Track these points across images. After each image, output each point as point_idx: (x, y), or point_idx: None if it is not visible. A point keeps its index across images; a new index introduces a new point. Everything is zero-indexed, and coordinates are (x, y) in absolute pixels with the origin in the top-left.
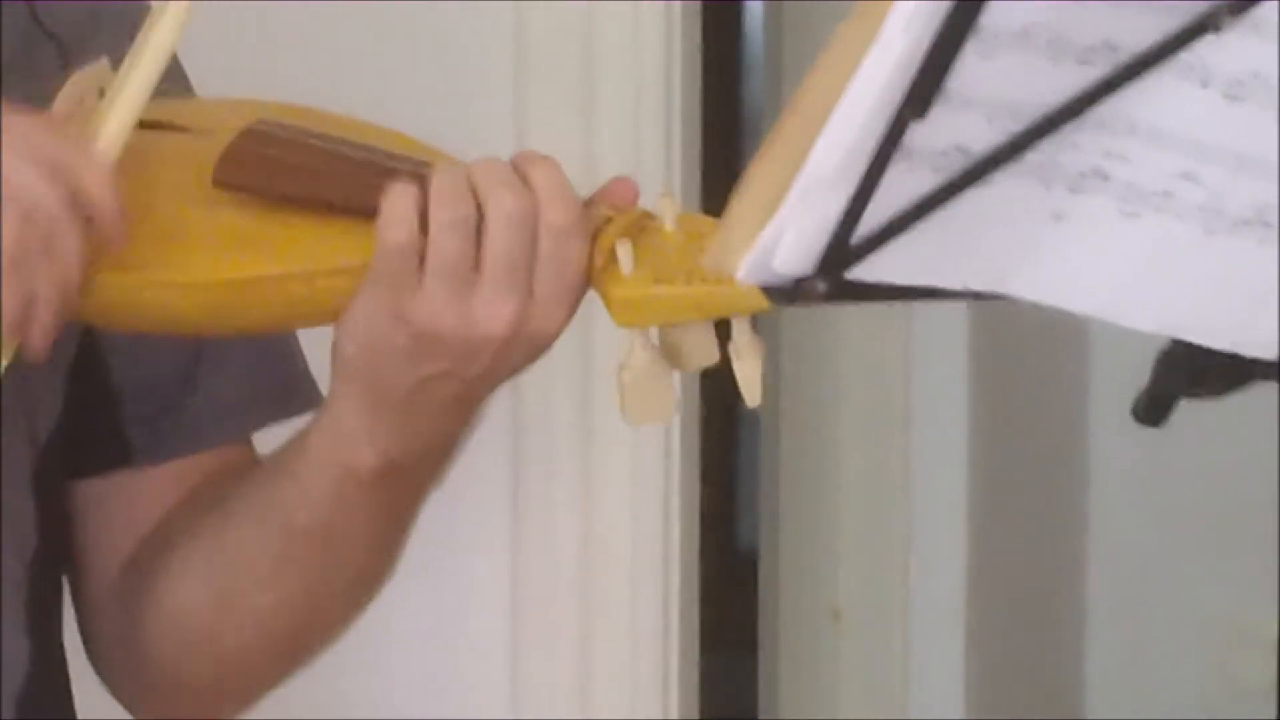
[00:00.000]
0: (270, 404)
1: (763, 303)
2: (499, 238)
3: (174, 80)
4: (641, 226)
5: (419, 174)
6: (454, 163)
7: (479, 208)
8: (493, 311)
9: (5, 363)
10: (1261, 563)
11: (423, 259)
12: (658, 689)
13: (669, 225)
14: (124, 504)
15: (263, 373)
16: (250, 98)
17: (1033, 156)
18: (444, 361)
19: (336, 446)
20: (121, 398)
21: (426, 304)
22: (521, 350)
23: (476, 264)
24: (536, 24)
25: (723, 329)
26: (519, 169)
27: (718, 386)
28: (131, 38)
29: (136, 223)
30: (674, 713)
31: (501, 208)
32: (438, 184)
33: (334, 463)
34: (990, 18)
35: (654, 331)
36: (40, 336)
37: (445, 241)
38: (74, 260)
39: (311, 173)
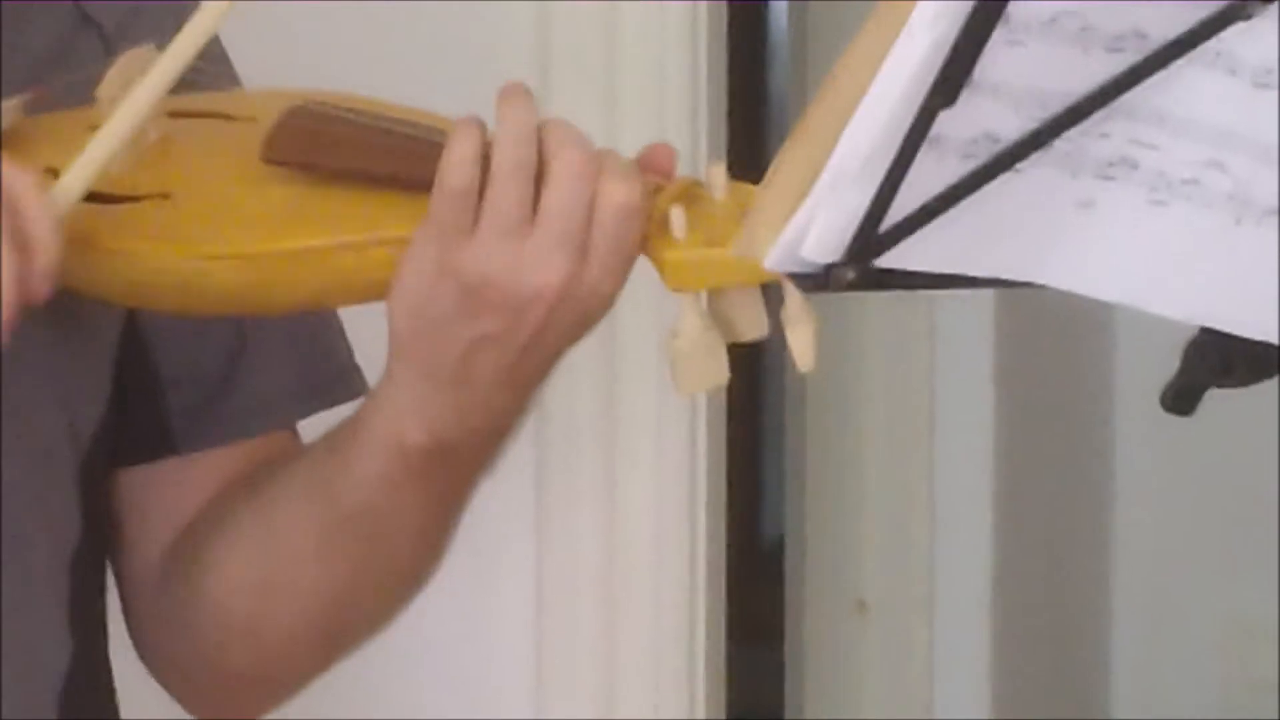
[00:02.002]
0: (314, 393)
1: None
2: (560, 191)
3: (220, 75)
4: (692, 195)
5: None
6: (522, 102)
7: (541, 160)
8: (544, 265)
9: None
10: None
11: (478, 210)
12: (683, 680)
13: (719, 194)
14: (167, 492)
15: (307, 362)
16: (290, 88)
17: (1061, 145)
18: (493, 320)
19: (387, 425)
20: (166, 386)
21: (478, 253)
22: (570, 317)
23: (532, 215)
24: (560, 18)
25: (770, 300)
26: None
27: (742, 377)
28: (175, 29)
29: (183, 203)
30: (699, 704)
31: (569, 161)
32: (505, 128)
33: (384, 442)
34: (1019, 6)
35: (704, 301)
36: None
37: (507, 186)
38: (9, 285)
39: (359, 146)
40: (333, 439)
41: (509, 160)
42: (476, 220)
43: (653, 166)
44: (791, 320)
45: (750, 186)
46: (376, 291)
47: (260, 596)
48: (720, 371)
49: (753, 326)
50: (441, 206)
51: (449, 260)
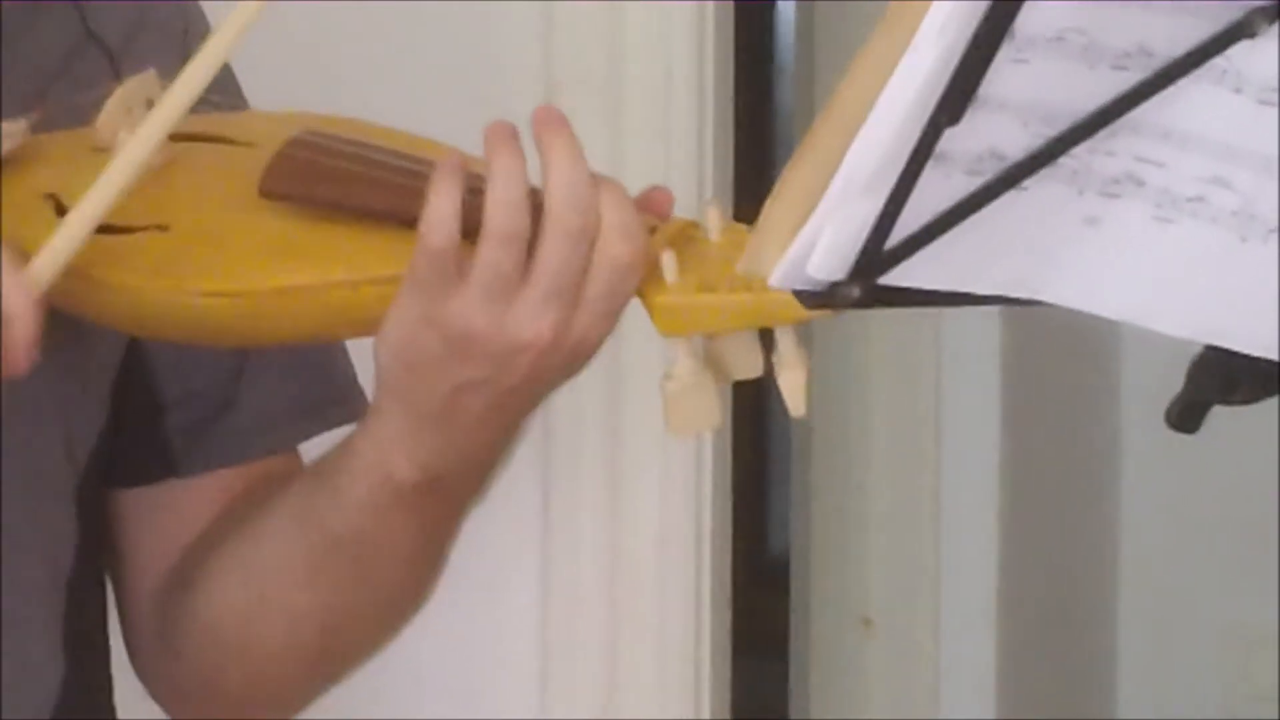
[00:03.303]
0: (316, 415)
1: (808, 311)
2: (554, 254)
3: (227, 92)
4: (687, 236)
5: (474, 186)
6: (514, 162)
7: (536, 211)
8: (533, 320)
9: None
10: None
11: (463, 263)
12: (688, 695)
13: (714, 235)
14: (168, 514)
15: (309, 384)
16: (295, 111)
17: (1067, 161)
18: (480, 368)
19: (375, 456)
20: (167, 407)
21: (464, 308)
22: (560, 361)
23: (523, 272)
24: (565, 25)
25: (766, 340)
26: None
27: (749, 392)
28: (177, 42)
29: (179, 236)
30: (704, 718)
31: (566, 227)
32: (496, 192)
33: (372, 472)
34: (1024, 23)
35: (699, 342)
36: None
37: (498, 252)
38: None
39: (356, 181)
40: (322, 466)
41: (500, 230)
42: (462, 273)
43: (649, 209)
44: (784, 365)
45: (746, 228)
46: (371, 328)
47: (251, 620)
48: (712, 415)
49: (748, 367)
50: (422, 263)
51: (433, 312)
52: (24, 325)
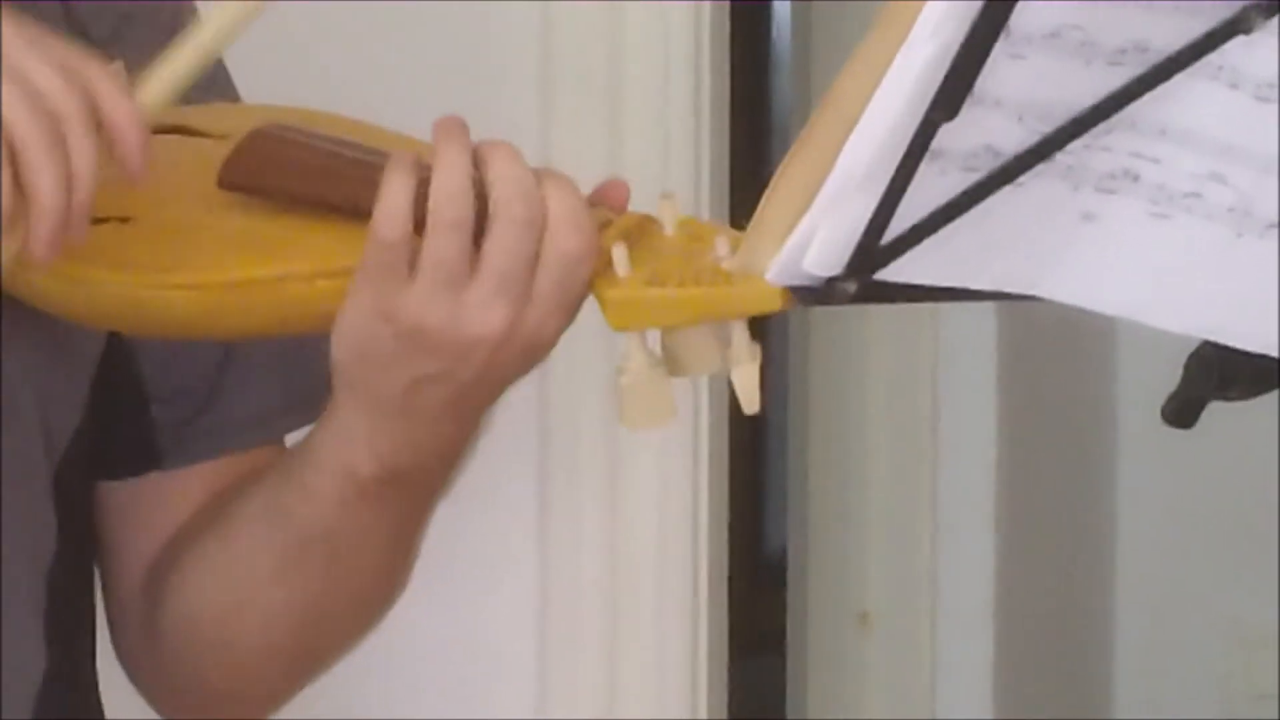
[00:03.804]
0: (300, 408)
1: (759, 306)
2: (502, 245)
3: (221, 92)
4: (641, 231)
5: (421, 175)
6: (457, 153)
7: (483, 205)
8: (484, 313)
9: (3, 260)
10: None
11: (415, 257)
12: (686, 692)
13: (669, 229)
14: (152, 506)
15: (293, 376)
16: (276, 105)
17: (1063, 158)
18: (435, 362)
19: (337, 451)
20: (150, 400)
21: (415, 301)
22: (516, 354)
23: (471, 263)
24: (563, 24)
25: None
26: (537, 180)
27: None
28: (167, 38)
29: (142, 227)
30: (702, 715)
31: (511, 216)
32: (439, 182)
33: (335, 467)
34: (1020, 19)
35: (654, 337)
36: (42, 241)
37: (442, 241)
38: (85, 165)
39: (312, 173)
40: (288, 462)
41: (443, 219)
42: (413, 267)
43: (605, 202)
44: (735, 360)
45: (701, 222)
46: (328, 322)
47: (227, 615)
48: (666, 410)
49: (705, 362)
50: (374, 256)
51: (385, 306)
52: (128, 115)
